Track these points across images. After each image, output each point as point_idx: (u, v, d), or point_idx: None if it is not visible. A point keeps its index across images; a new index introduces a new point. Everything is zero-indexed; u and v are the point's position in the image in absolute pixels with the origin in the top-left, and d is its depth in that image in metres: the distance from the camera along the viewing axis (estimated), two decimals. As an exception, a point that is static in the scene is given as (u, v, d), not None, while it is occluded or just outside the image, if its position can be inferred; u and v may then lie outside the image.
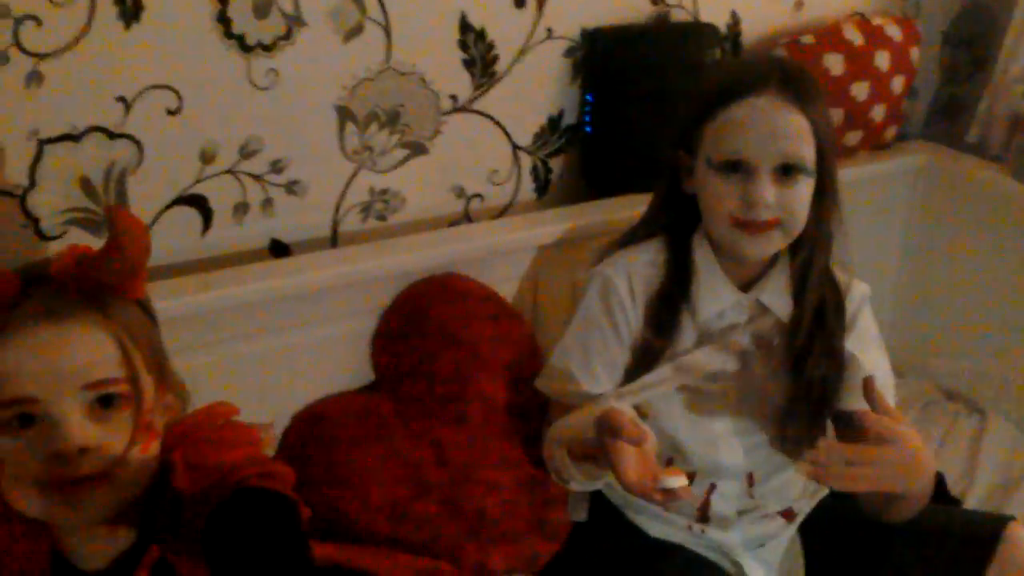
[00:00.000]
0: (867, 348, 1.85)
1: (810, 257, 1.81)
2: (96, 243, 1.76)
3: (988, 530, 1.82)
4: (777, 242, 1.75)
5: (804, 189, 1.72)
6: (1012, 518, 1.86)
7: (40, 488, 1.23)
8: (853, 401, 1.75)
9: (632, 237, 1.92)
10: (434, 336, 2.01)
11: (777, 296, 1.83)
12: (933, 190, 2.78)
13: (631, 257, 1.88)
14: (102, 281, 1.28)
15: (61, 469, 1.22)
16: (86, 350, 1.25)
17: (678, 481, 1.50)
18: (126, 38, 1.80)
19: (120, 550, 1.35)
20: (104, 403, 1.26)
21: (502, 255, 2.17)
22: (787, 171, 1.70)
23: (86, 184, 1.84)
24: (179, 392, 1.40)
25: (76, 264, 1.28)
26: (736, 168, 1.71)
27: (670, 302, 1.83)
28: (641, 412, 1.78)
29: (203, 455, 1.38)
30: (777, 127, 1.69)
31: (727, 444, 1.85)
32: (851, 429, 1.67)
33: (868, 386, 1.60)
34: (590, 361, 1.85)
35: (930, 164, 2.78)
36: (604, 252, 1.93)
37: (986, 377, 2.72)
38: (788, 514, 1.91)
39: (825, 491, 1.96)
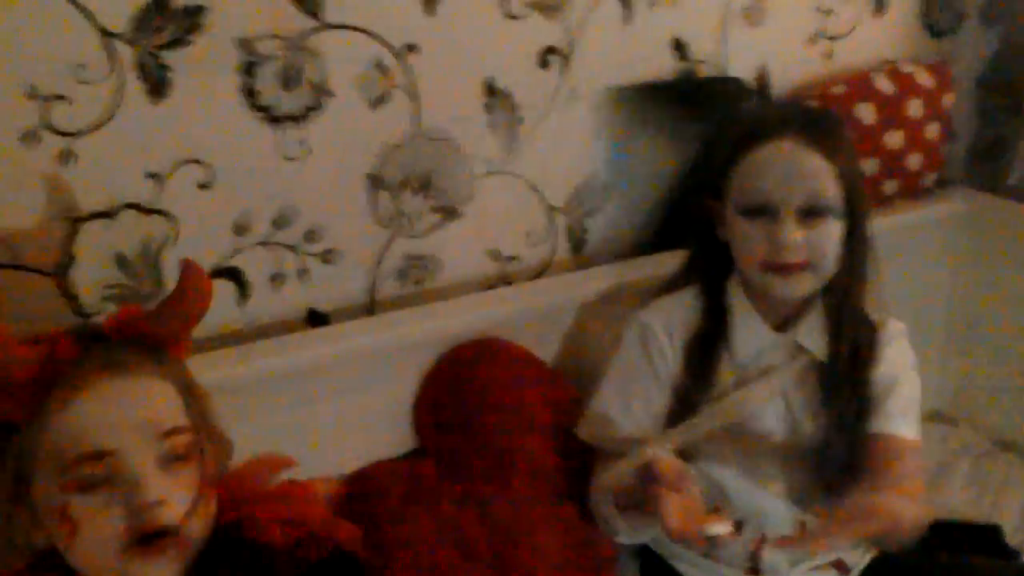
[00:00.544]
0: (895, 374, 1.86)
1: (844, 298, 1.83)
2: None
3: None
4: (808, 283, 1.78)
5: (832, 230, 1.75)
6: None
7: (118, 550, 1.23)
8: (884, 424, 1.81)
9: (669, 286, 1.96)
10: (478, 400, 2.00)
11: (813, 336, 1.84)
12: (976, 235, 2.75)
13: (668, 304, 1.92)
14: (157, 335, 1.32)
15: (140, 524, 1.22)
16: (154, 400, 1.27)
17: (723, 528, 1.51)
18: (155, 113, 1.81)
19: None
20: (173, 458, 1.27)
21: (541, 316, 2.17)
22: (812, 212, 1.73)
23: (122, 260, 1.85)
24: (223, 445, 1.42)
25: (129, 318, 1.32)
26: (762, 212, 1.74)
27: (707, 344, 1.87)
28: (686, 456, 1.77)
29: (278, 510, 1.40)
30: (798, 168, 1.72)
31: (774, 490, 1.84)
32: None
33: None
34: (629, 405, 1.87)
35: (970, 209, 2.75)
36: (644, 303, 1.96)
37: None
38: (840, 565, 1.89)
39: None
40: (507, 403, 2.00)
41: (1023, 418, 2.70)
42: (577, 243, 2.41)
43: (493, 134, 2.19)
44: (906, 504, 1.58)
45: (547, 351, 2.18)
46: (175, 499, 1.26)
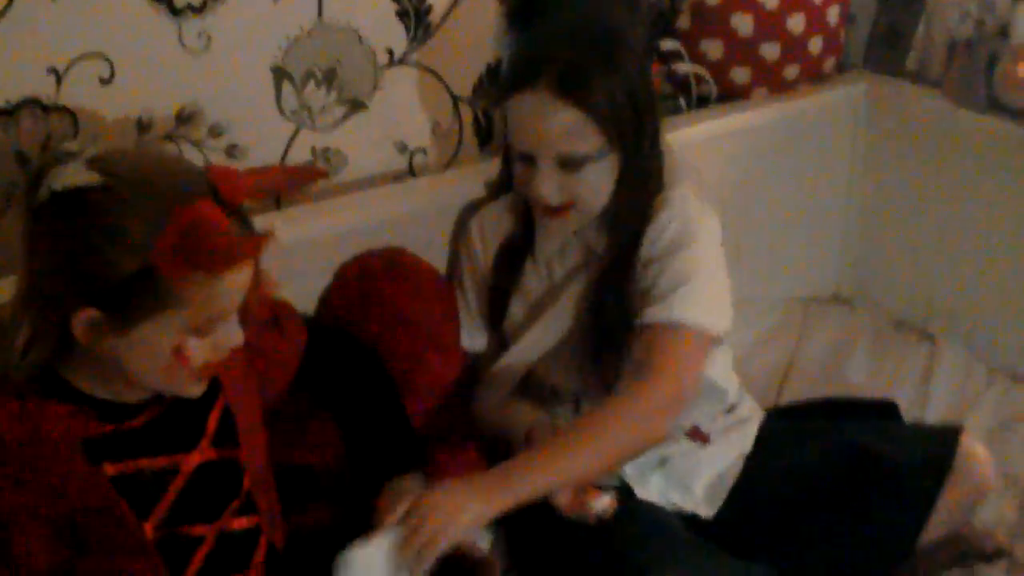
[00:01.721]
0: (679, 248, 1.81)
1: (620, 208, 1.84)
2: None
3: (941, 446, 1.88)
4: (576, 220, 1.84)
5: (592, 175, 1.77)
6: (961, 429, 1.93)
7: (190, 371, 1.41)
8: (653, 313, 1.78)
9: (494, 188, 2.04)
10: (384, 315, 1.99)
11: (595, 234, 1.89)
12: (875, 119, 2.79)
13: (488, 209, 2.02)
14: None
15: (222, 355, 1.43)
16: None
17: (605, 501, 1.75)
18: (54, 6, 1.78)
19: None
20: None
21: (447, 209, 2.16)
22: (568, 163, 1.75)
23: (23, 159, 1.83)
24: None
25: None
26: (525, 158, 1.78)
27: (513, 246, 1.96)
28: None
29: None
30: (546, 128, 1.73)
31: (564, 370, 1.96)
32: None
33: None
34: (466, 302, 2.04)
35: (870, 93, 2.78)
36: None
37: (936, 304, 2.75)
38: (695, 434, 1.95)
39: (754, 414, 2.04)
40: (411, 318, 2.00)
41: (920, 299, 2.77)
42: (483, 135, 2.41)
43: (399, 23, 2.17)
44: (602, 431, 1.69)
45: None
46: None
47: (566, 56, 1.72)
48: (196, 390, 1.46)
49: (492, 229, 1.98)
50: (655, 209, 1.82)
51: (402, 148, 2.29)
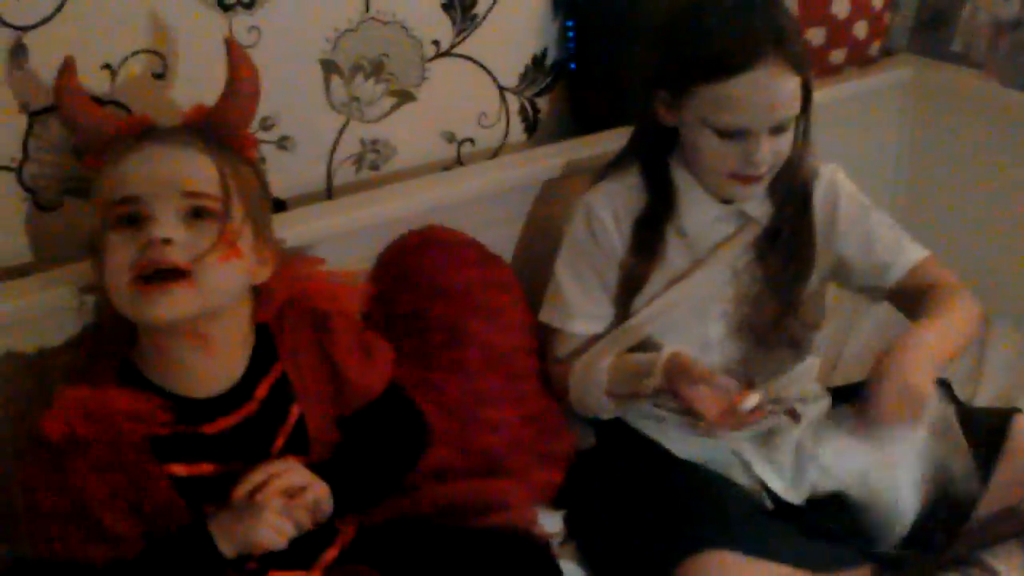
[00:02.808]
0: (866, 219, 1.98)
1: (790, 173, 1.91)
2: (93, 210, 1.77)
3: (995, 424, 1.88)
4: (766, 183, 1.87)
5: (790, 136, 1.83)
6: (1018, 410, 1.92)
7: (127, 282, 1.43)
8: (884, 276, 1.97)
9: (611, 166, 2.00)
10: (424, 288, 2.01)
11: (758, 205, 1.92)
12: (922, 102, 2.78)
13: (612, 186, 1.96)
14: (224, 129, 1.58)
15: (145, 259, 1.42)
16: (187, 166, 1.48)
17: (755, 399, 1.73)
18: (106, 3, 1.80)
19: (233, 380, 1.55)
20: (195, 214, 1.46)
21: (494, 197, 2.18)
22: (780, 128, 1.80)
23: (78, 152, 1.81)
24: (276, 251, 1.61)
25: (202, 112, 1.60)
26: (736, 134, 1.79)
27: (654, 221, 1.92)
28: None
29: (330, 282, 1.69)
30: (777, 98, 1.78)
31: (720, 349, 1.94)
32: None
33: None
34: (585, 283, 1.95)
35: (917, 77, 2.77)
36: (589, 184, 2.01)
37: (989, 282, 2.66)
38: (791, 413, 1.91)
39: (826, 397, 2.01)
40: (452, 288, 2.01)
41: (972, 275, 2.70)
42: (530, 124, 2.42)
43: (444, 15, 2.19)
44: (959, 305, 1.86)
45: (501, 233, 2.19)
46: (187, 244, 1.44)
47: (783, 25, 1.77)
48: (155, 311, 1.44)
49: (624, 207, 1.94)
50: (807, 175, 1.93)
51: (450, 138, 2.30)
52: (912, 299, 1.94)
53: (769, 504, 1.88)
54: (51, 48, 1.75)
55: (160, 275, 1.43)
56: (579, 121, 2.44)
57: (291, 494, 1.47)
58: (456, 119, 2.30)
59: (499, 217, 2.19)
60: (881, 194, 2.78)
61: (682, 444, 1.92)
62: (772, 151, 1.80)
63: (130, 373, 1.51)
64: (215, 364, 1.53)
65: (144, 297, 1.43)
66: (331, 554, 1.59)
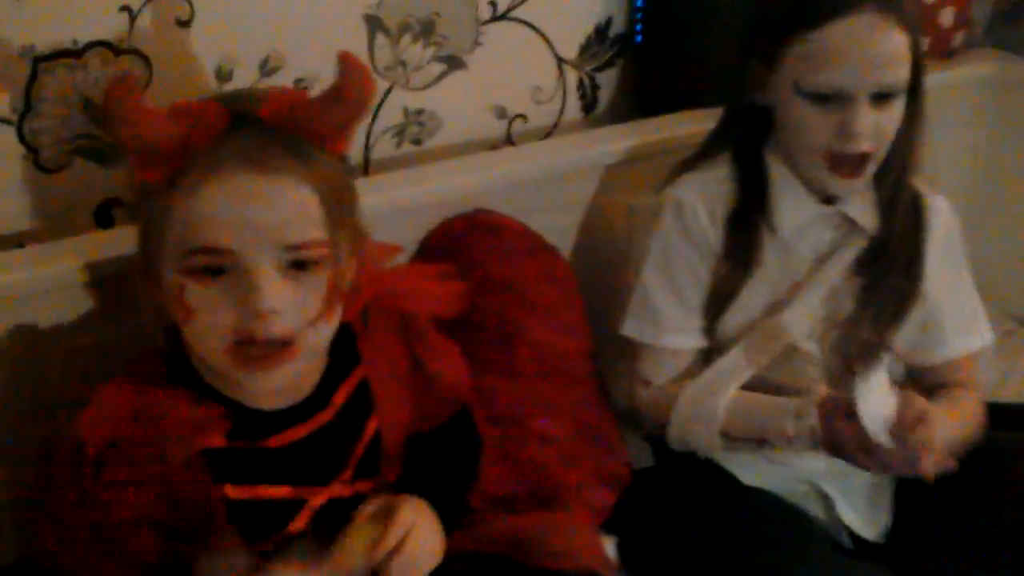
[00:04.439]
0: (959, 280, 1.86)
1: (901, 174, 1.75)
2: (104, 172, 1.70)
3: None
4: (868, 176, 1.70)
5: (896, 112, 1.67)
6: None
7: (226, 347, 1.25)
8: (933, 348, 1.84)
9: (699, 156, 1.84)
10: (472, 280, 1.83)
11: (864, 210, 1.76)
12: (1003, 98, 2.65)
13: (702, 178, 1.81)
14: (314, 131, 1.29)
15: (249, 329, 1.24)
16: (289, 207, 1.25)
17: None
18: (129, -63, 1.66)
19: (307, 390, 1.40)
20: (299, 266, 1.26)
21: (547, 181, 2.04)
22: (885, 95, 1.64)
23: (89, 107, 1.69)
24: (362, 243, 1.41)
25: (290, 108, 1.28)
26: (832, 98, 1.64)
27: (748, 218, 1.77)
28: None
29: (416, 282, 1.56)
30: (878, 53, 1.62)
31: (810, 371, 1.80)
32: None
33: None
34: (678, 292, 1.79)
35: (999, 72, 2.64)
36: (668, 177, 1.85)
37: None
38: None
39: None
40: (503, 281, 1.88)
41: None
42: (588, 102, 2.30)
43: (502, -28, 2.05)
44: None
45: (553, 220, 2.04)
46: (294, 308, 1.26)
47: None
48: (254, 384, 1.30)
49: (719, 200, 1.77)
50: (917, 187, 1.79)
51: (501, 113, 2.18)
52: (940, 384, 1.85)
53: (848, 542, 1.80)
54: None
55: (264, 345, 1.26)
56: (642, 101, 2.31)
57: None
58: (508, 92, 2.17)
59: (551, 204, 2.04)
60: (957, 194, 2.68)
61: (750, 470, 1.80)
62: (874, 124, 1.63)
63: (182, 371, 1.35)
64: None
65: (245, 369, 1.27)
66: None
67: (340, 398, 1.42)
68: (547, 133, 2.25)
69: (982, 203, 2.71)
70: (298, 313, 1.26)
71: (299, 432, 1.37)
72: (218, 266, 1.23)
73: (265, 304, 1.22)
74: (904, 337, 1.81)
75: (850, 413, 1.53)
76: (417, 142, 2.09)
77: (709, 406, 1.72)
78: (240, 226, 1.22)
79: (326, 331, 1.31)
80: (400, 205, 1.88)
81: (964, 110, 2.64)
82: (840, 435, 1.57)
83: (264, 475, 1.35)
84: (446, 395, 1.56)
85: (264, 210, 1.23)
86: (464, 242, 1.89)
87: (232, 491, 1.33)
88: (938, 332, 1.82)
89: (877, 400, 1.56)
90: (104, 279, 1.56)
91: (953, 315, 1.83)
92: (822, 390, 1.65)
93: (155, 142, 1.24)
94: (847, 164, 1.66)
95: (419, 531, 1.35)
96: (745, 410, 1.71)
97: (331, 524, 1.35)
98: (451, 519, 1.49)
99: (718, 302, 1.78)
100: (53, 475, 1.33)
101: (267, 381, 1.28)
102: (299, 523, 1.36)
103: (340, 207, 1.31)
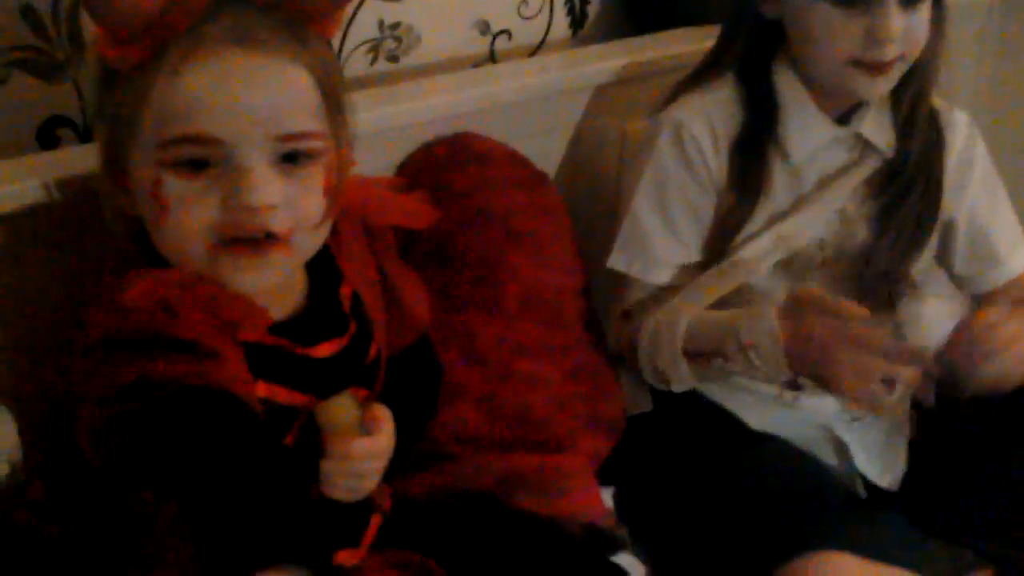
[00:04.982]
0: (995, 197, 1.80)
1: (921, 88, 1.70)
2: (47, 88, 1.58)
3: None
4: (895, 79, 1.64)
5: (925, 13, 1.61)
6: None
7: (209, 245, 1.16)
8: (990, 271, 1.79)
9: (699, 76, 1.77)
10: (454, 211, 1.78)
11: (879, 130, 1.71)
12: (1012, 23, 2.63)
13: (703, 99, 1.73)
14: (304, 9, 1.18)
15: (239, 225, 1.15)
16: (284, 91, 1.16)
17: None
18: None
19: (294, 306, 1.31)
20: (291, 158, 1.17)
21: (533, 101, 1.96)
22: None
23: (30, 15, 1.59)
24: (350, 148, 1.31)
25: None
26: (857, 1, 1.57)
27: (756, 143, 1.70)
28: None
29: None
30: None
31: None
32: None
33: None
34: (673, 223, 1.72)
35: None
36: (665, 99, 1.77)
37: None
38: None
39: None
40: (487, 211, 1.81)
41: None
42: (577, 18, 2.24)
43: None
44: None
45: (538, 145, 1.97)
46: (288, 204, 1.17)
47: None
48: (242, 281, 1.18)
49: (723, 126, 1.69)
50: (937, 104, 1.73)
51: (483, 28, 2.10)
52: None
53: (862, 492, 1.75)
54: None
55: (257, 240, 1.18)
56: (635, 17, 2.27)
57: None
58: (492, 5, 2.10)
59: (536, 128, 1.98)
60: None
61: (757, 413, 1.74)
62: (904, 29, 1.57)
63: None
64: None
65: (231, 262, 1.16)
66: (373, 526, 1.40)
67: (348, 310, 1.36)
68: (533, 51, 2.20)
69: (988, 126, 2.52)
70: (293, 211, 1.17)
71: (332, 347, 1.30)
72: (203, 158, 1.14)
73: (260, 198, 1.14)
74: (959, 267, 1.80)
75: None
76: (393, 59, 2.02)
77: (672, 325, 1.67)
78: (229, 112, 1.13)
79: (323, 233, 1.24)
80: (374, 127, 1.71)
81: (968, 34, 2.61)
82: (809, 336, 1.49)
83: (290, 380, 1.26)
84: (407, 321, 1.48)
85: (256, 94, 1.13)
86: (447, 169, 1.82)
87: (272, 392, 1.25)
88: (990, 253, 1.78)
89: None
90: (50, 205, 1.44)
91: (1001, 232, 1.79)
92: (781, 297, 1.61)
93: (131, 9, 1.12)
94: (875, 66, 1.60)
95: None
96: (703, 323, 1.65)
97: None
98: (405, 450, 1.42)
99: (722, 234, 1.71)
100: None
101: (258, 276, 1.18)
102: (293, 434, 1.28)
103: (336, 96, 1.23)
